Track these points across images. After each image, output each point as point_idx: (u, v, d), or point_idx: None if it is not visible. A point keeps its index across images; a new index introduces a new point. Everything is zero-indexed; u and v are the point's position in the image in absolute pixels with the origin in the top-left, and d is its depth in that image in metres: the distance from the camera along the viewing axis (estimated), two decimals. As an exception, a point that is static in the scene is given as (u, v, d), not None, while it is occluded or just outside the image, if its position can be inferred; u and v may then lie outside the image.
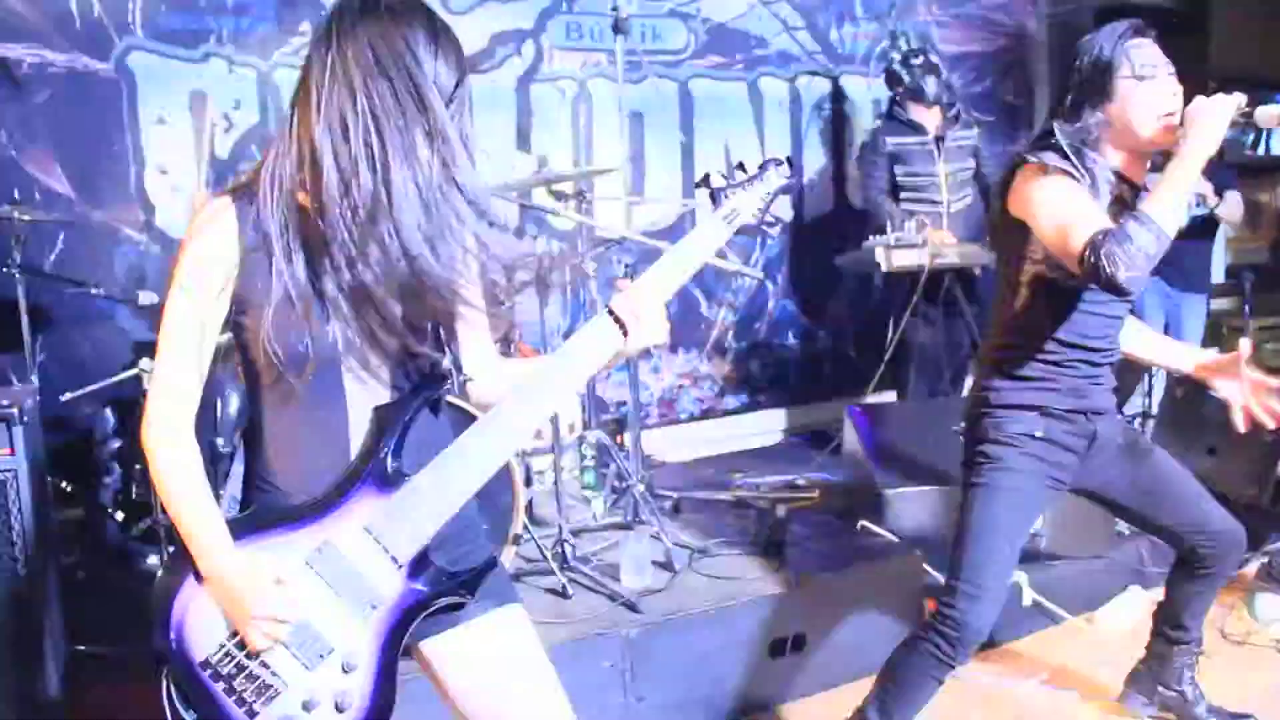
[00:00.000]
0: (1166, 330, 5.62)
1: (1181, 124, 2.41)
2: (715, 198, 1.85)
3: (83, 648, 3.16)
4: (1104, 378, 2.71)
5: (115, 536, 3.73)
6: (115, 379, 3.63)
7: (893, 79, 5.33)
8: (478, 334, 1.89)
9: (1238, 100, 2.36)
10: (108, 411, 3.89)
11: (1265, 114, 2.37)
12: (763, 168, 1.89)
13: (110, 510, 3.77)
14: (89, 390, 3.63)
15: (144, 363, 3.48)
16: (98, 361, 4.04)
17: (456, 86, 1.67)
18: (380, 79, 1.59)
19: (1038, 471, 2.66)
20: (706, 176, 1.88)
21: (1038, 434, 2.64)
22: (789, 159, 1.91)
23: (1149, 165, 2.62)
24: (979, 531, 2.69)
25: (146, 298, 3.79)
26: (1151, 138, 2.49)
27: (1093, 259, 2.29)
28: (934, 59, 5.28)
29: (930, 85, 5.20)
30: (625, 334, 1.75)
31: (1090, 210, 2.41)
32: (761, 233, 1.90)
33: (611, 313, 1.75)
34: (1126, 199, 2.54)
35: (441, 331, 1.77)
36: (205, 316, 1.68)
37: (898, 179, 5.22)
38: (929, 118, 5.23)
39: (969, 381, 4.80)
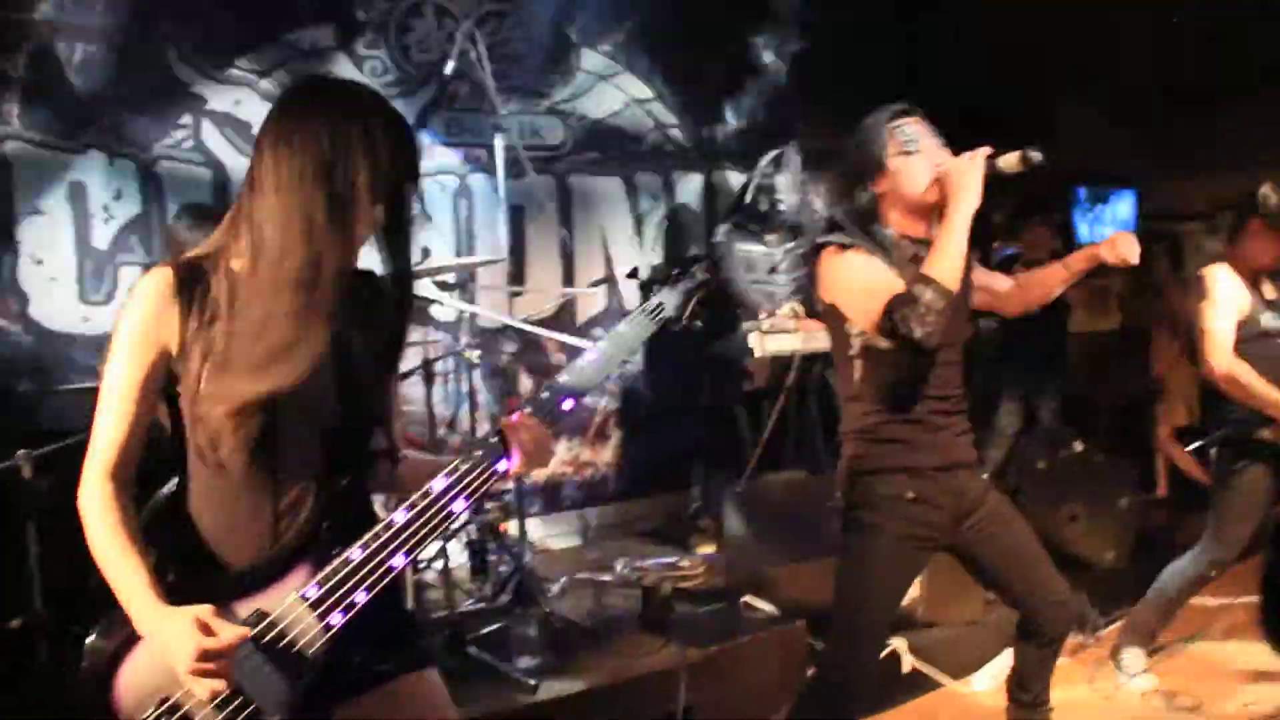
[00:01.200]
0: (1027, 410, 5.93)
1: (940, 186, 2.64)
2: (644, 290, 1.95)
3: None
4: (961, 426, 2.83)
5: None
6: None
7: (751, 205, 5.67)
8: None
9: (984, 152, 2.59)
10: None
11: (1006, 161, 2.59)
12: (687, 265, 2.00)
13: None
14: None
15: (19, 455, 3.39)
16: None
17: (398, 174, 1.74)
18: (307, 170, 1.67)
19: (910, 535, 2.75)
20: (635, 270, 1.98)
21: (908, 495, 2.72)
22: (711, 259, 2.03)
23: (930, 220, 2.79)
24: (852, 597, 2.80)
25: (21, 388, 3.71)
26: (923, 196, 2.70)
27: (889, 324, 2.51)
28: (779, 197, 5.61)
29: (776, 218, 5.56)
30: (510, 459, 1.79)
31: (884, 278, 2.60)
32: (685, 328, 2.00)
33: (500, 436, 1.79)
34: (920, 256, 2.69)
35: (376, 415, 1.84)
36: (143, 380, 1.72)
37: (750, 283, 5.49)
38: (772, 235, 5.55)
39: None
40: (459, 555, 4.64)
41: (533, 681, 3.35)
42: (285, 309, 1.68)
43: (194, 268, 1.74)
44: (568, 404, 1.85)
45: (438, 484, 1.74)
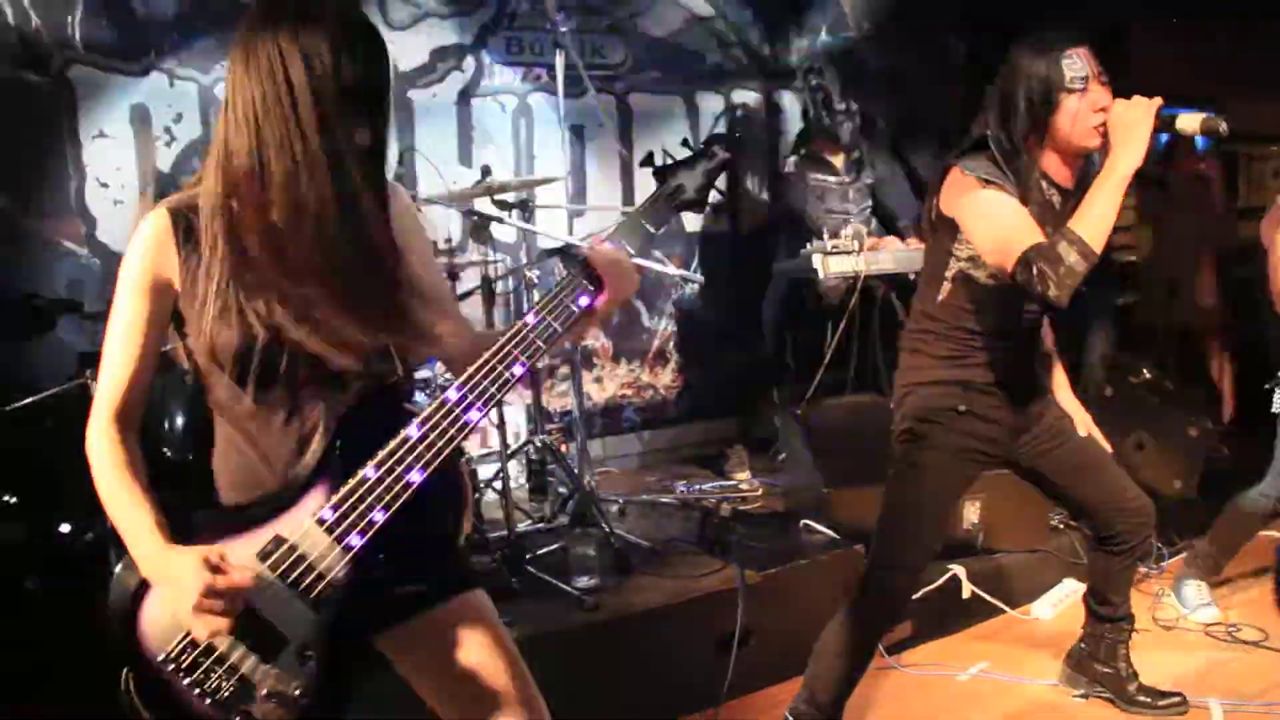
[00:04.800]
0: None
1: (1105, 135, 2.46)
2: (660, 176, 1.91)
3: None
4: (1025, 359, 2.82)
5: (62, 547, 3.70)
6: (56, 390, 3.60)
7: (815, 124, 5.59)
8: (444, 311, 1.90)
9: (1156, 103, 2.40)
10: (49, 422, 3.85)
11: (1185, 122, 2.41)
12: (706, 145, 1.94)
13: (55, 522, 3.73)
14: (30, 401, 3.60)
15: (88, 374, 3.46)
16: (40, 374, 4.00)
17: (365, 84, 1.66)
18: (266, 83, 1.62)
19: (961, 446, 2.76)
20: (650, 155, 1.93)
21: (960, 409, 2.72)
22: (734, 135, 1.98)
23: (1079, 169, 2.66)
24: (898, 507, 2.83)
25: (90, 308, 3.77)
26: (1081, 144, 2.55)
27: (1024, 276, 2.36)
28: (852, 106, 5.51)
29: (845, 134, 5.51)
30: (601, 289, 1.78)
31: (1022, 223, 2.45)
32: (705, 208, 1.96)
33: (585, 265, 1.78)
34: (1054, 203, 2.63)
35: (389, 326, 1.78)
36: (146, 323, 1.71)
37: (823, 211, 5.44)
38: (838, 159, 5.47)
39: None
40: (519, 475, 4.69)
41: (591, 600, 3.39)
42: (269, 235, 1.66)
43: (188, 206, 1.72)
44: (583, 300, 1.80)
45: (451, 394, 1.70)
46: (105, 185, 4.48)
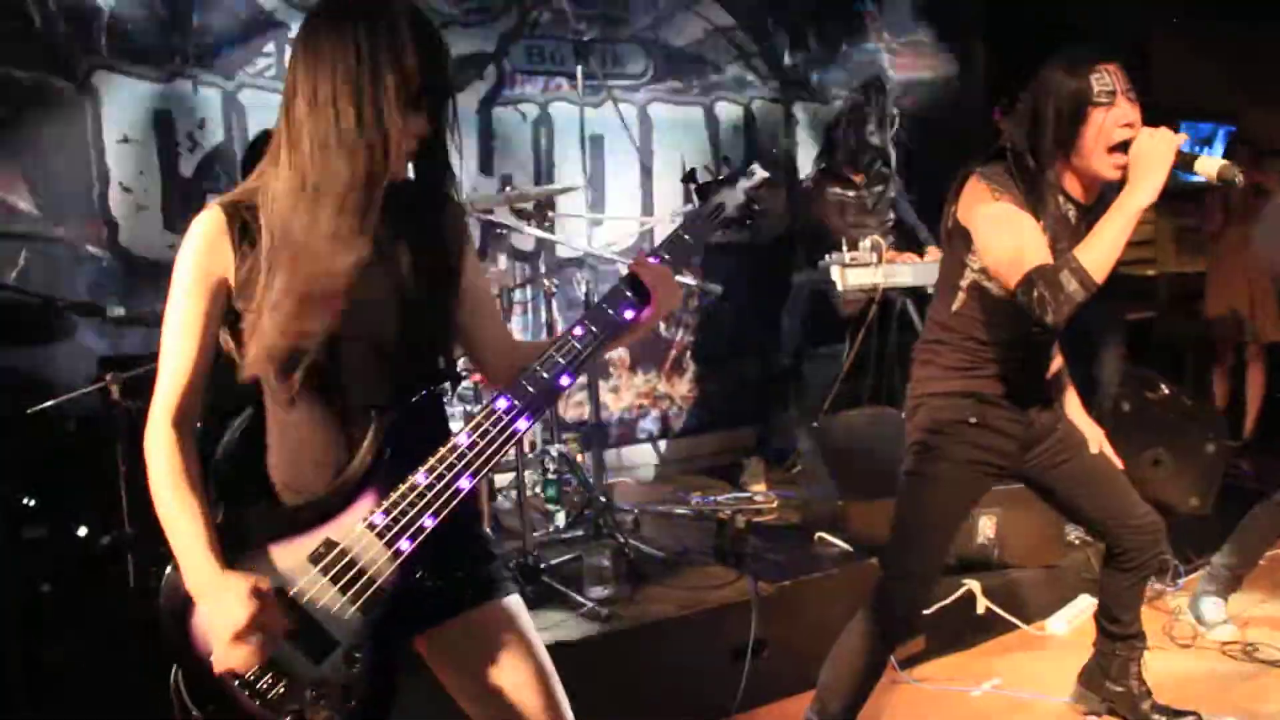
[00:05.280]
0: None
1: (1125, 169, 2.45)
2: (701, 193, 1.92)
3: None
4: (1035, 372, 2.82)
5: (81, 551, 3.72)
6: (78, 393, 3.63)
7: (832, 142, 5.58)
8: (490, 316, 1.95)
9: (1179, 140, 2.40)
10: (70, 425, 3.88)
11: (1203, 165, 2.41)
12: (747, 163, 1.96)
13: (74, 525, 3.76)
14: (51, 404, 3.63)
15: (109, 377, 3.49)
16: (61, 377, 4.03)
17: (430, 82, 1.69)
18: (332, 79, 1.65)
19: (972, 459, 2.76)
20: (693, 171, 1.94)
21: (972, 421, 2.73)
22: (772, 152, 2.00)
23: (1097, 188, 2.66)
24: (908, 518, 2.83)
25: (112, 312, 3.80)
26: (1099, 171, 2.55)
27: (1025, 297, 2.42)
28: (870, 128, 5.50)
29: (865, 154, 5.47)
30: (648, 302, 1.80)
31: (1031, 241, 2.48)
32: (746, 227, 1.97)
33: (634, 279, 1.80)
34: (1070, 218, 2.63)
35: (438, 334, 1.83)
36: (202, 321, 1.72)
37: (848, 224, 5.43)
38: (859, 175, 5.47)
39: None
40: (535, 485, 4.70)
41: (605, 611, 3.39)
42: (329, 231, 1.67)
43: (243, 203, 1.73)
44: (628, 314, 1.82)
45: (501, 403, 1.73)
46: (128, 190, 4.50)
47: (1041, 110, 2.59)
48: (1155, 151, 2.39)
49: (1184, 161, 2.41)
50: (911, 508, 2.83)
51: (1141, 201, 2.38)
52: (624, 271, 1.85)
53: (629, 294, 1.81)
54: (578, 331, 1.78)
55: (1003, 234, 2.52)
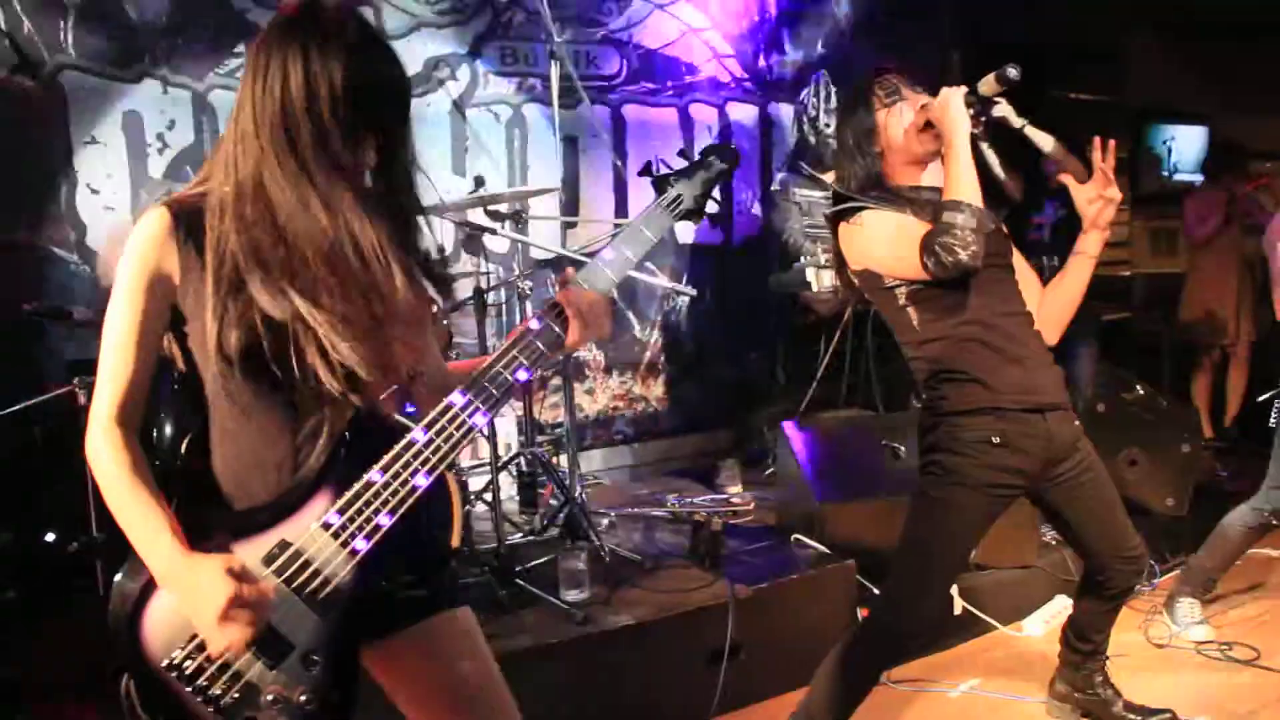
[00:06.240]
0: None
1: (930, 126, 2.63)
2: (659, 186, 1.89)
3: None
4: (1035, 350, 2.73)
5: (48, 557, 3.67)
6: (45, 397, 3.58)
7: (802, 142, 5.58)
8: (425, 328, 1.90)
9: (958, 90, 2.58)
10: (36, 431, 3.83)
11: (984, 85, 2.58)
12: (704, 155, 1.92)
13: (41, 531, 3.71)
14: (17, 409, 3.58)
15: (76, 381, 3.44)
16: (27, 380, 3.97)
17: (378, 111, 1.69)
18: (274, 94, 1.64)
19: (992, 481, 2.64)
20: (649, 164, 1.92)
21: (995, 440, 2.61)
22: (730, 145, 1.97)
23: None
24: (925, 541, 2.72)
25: (80, 315, 3.74)
26: (919, 149, 2.70)
27: (932, 259, 2.48)
28: (827, 126, 5.54)
29: (827, 151, 5.49)
30: (566, 331, 1.76)
31: (907, 223, 2.60)
32: (703, 218, 1.94)
33: (555, 308, 1.77)
34: (934, 200, 2.63)
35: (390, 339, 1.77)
36: (146, 321, 1.68)
37: (805, 228, 5.43)
38: (829, 174, 5.47)
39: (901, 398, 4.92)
40: (509, 488, 4.67)
41: (581, 614, 3.37)
42: (271, 241, 1.65)
43: (189, 205, 1.70)
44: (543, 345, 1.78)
45: (456, 398, 1.70)
46: (96, 192, 4.45)
47: (844, 142, 2.81)
48: (944, 99, 2.58)
49: (971, 93, 2.58)
50: (926, 531, 2.72)
51: (961, 136, 2.55)
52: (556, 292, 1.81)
53: (554, 326, 1.77)
54: (535, 325, 1.75)
55: (879, 237, 2.65)
